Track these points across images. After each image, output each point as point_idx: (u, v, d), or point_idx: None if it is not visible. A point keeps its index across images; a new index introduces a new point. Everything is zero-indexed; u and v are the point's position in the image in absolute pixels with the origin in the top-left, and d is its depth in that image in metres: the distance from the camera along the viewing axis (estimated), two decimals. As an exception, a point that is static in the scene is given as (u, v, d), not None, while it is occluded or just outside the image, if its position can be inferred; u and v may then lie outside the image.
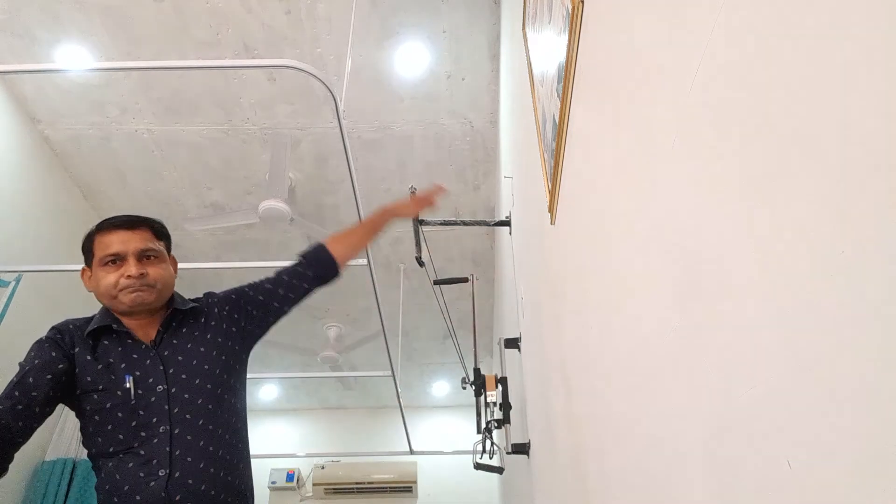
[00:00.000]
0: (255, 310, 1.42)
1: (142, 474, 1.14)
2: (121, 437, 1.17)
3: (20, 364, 1.21)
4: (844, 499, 0.35)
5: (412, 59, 3.26)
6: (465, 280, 2.83)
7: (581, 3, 1.01)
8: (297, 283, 1.49)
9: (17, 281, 3.08)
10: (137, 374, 1.21)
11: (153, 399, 1.20)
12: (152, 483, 1.13)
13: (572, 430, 1.26)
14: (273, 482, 5.76)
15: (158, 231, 1.33)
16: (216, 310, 1.37)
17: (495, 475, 2.88)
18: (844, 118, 0.36)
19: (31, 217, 3.54)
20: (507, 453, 2.23)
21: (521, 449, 2.15)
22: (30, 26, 3.04)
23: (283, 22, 3.07)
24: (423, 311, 5.00)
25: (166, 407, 1.19)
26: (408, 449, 4.49)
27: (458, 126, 3.63)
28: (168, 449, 1.16)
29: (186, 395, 1.22)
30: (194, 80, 3.32)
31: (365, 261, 2.60)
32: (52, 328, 1.27)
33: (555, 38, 1.26)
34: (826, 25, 0.38)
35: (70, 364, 1.21)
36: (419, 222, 2.57)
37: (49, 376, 1.17)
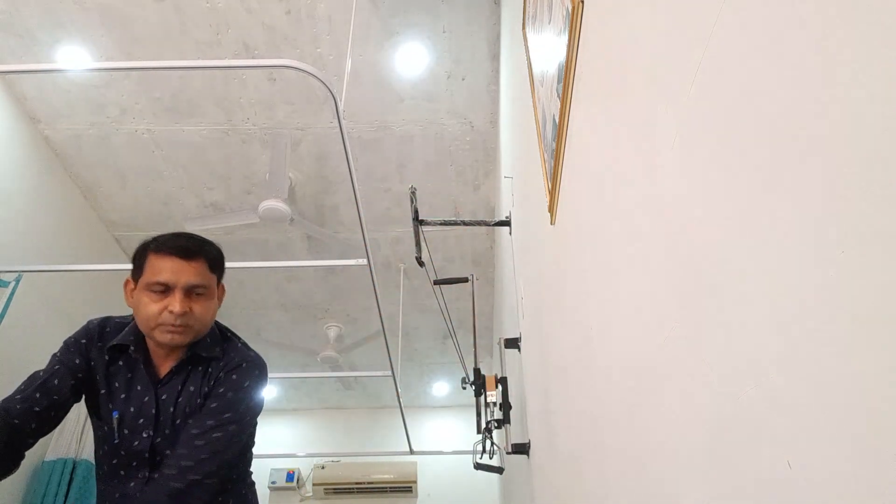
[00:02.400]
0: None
1: None
2: (105, 468, 1.19)
3: (51, 357, 1.21)
4: (844, 499, 0.35)
5: (412, 59, 3.26)
6: (465, 280, 2.83)
7: (581, 3, 1.01)
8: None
9: (17, 281, 3.08)
10: (131, 410, 1.18)
11: (136, 443, 1.17)
12: None
13: (572, 430, 1.26)
14: (273, 482, 5.76)
15: (214, 262, 1.25)
16: (208, 386, 1.24)
17: (495, 475, 2.89)
18: (845, 118, 0.36)
19: (31, 217, 3.54)
20: (507, 453, 2.23)
21: (521, 449, 2.15)
22: (30, 26, 3.04)
23: (283, 22, 3.07)
24: (423, 311, 5.01)
25: (146, 455, 1.18)
26: (408, 449, 4.49)
27: (458, 126, 3.63)
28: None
29: (168, 452, 1.18)
30: (194, 80, 3.32)
31: (365, 261, 2.60)
32: (85, 327, 1.24)
33: (555, 38, 1.26)
34: (826, 25, 0.38)
35: (89, 373, 1.20)
36: (419, 222, 2.57)
37: (72, 382, 1.17)
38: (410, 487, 5.77)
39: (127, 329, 1.24)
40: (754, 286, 0.46)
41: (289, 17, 3.05)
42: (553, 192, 1.35)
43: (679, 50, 0.61)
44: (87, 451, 3.67)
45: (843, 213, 0.36)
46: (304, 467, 5.89)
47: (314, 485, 5.77)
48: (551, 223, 1.42)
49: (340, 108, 1.99)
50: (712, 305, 0.54)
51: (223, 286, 1.32)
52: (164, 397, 1.20)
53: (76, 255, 3.90)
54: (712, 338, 0.54)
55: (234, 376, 1.22)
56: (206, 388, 1.22)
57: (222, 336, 1.31)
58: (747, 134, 0.47)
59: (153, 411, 1.18)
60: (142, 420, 1.18)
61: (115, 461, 1.17)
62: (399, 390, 3.79)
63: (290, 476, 5.79)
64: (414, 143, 3.73)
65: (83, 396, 1.22)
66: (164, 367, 1.23)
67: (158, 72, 3.30)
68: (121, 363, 1.22)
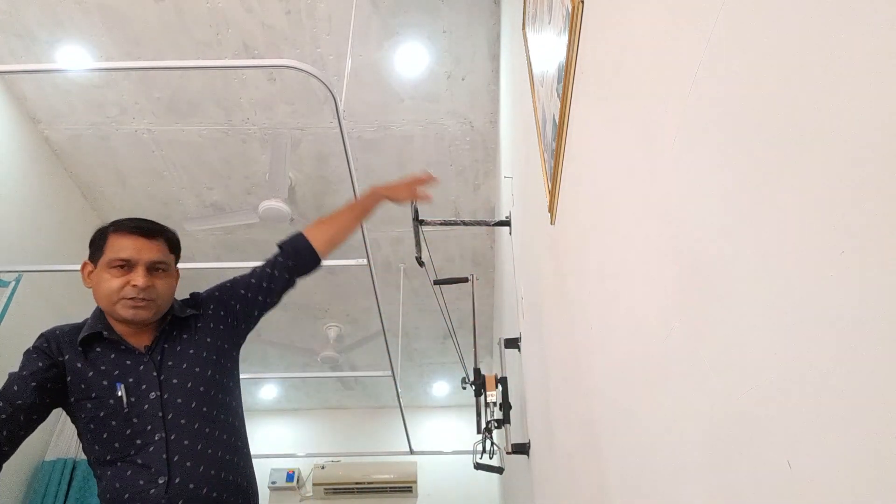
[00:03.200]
0: (239, 304, 1.40)
1: (141, 482, 1.13)
2: (117, 445, 1.16)
3: (9, 374, 1.20)
4: (844, 499, 0.35)
5: (412, 59, 3.26)
6: (465, 280, 2.83)
7: (581, 3, 1.01)
8: (279, 274, 1.46)
9: (17, 281, 3.08)
10: (130, 381, 1.19)
11: (146, 407, 1.18)
12: (152, 490, 1.13)
13: (572, 430, 1.26)
14: (273, 482, 5.76)
15: (172, 243, 1.31)
16: (202, 310, 1.35)
17: (495, 475, 2.89)
18: (845, 117, 0.36)
19: (31, 217, 3.54)
20: (507, 453, 2.23)
21: (521, 449, 2.15)
22: (30, 26, 3.04)
23: (283, 22, 3.07)
24: (423, 311, 5.00)
25: (160, 414, 1.18)
26: (408, 449, 4.49)
27: (458, 126, 3.63)
28: (165, 456, 1.15)
29: (180, 400, 1.20)
30: (194, 80, 3.32)
31: (365, 261, 2.60)
32: (40, 336, 1.25)
33: (555, 38, 1.26)
34: (826, 24, 0.38)
35: (59, 371, 1.19)
36: (419, 222, 2.57)
37: (34, 384, 1.16)
38: (410, 487, 5.77)
39: (90, 320, 1.25)
40: (754, 286, 0.46)
41: (289, 17, 3.05)
42: (553, 192, 1.35)
43: (679, 50, 0.61)
44: (87, 451, 3.67)
45: (843, 213, 0.36)
46: (304, 467, 5.89)
47: (314, 485, 5.77)
48: (551, 223, 1.42)
49: (340, 108, 1.99)
50: (712, 305, 0.54)
51: (178, 270, 1.36)
52: (160, 358, 1.23)
53: (76, 255, 3.89)
54: (712, 338, 0.54)
55: (203, 298, 1.37)
56: (210, 311, 1.35)
57: (186, 300, 1.38)
58: (747, 134, 0.47)
59: (154, 374, 1.21)
60: (144, 385, 1.20)
61: (128, 432, 1.16)
62: (399, 390, 3.79)
63: (290, 476, 5.79)
64: (414, 143, 3.73)
65: (55, 397, 1.19)
66: (145, 339, 1.25)
67: (158, 72, 3.30)
68: (99, 349, 1.22)
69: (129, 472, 1.15)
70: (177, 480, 1.14)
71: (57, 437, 3.66)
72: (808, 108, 0.39)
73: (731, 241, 0.50)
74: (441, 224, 2.90)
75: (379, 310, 2.91)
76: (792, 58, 0.41)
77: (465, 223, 3.03)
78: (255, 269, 1.47)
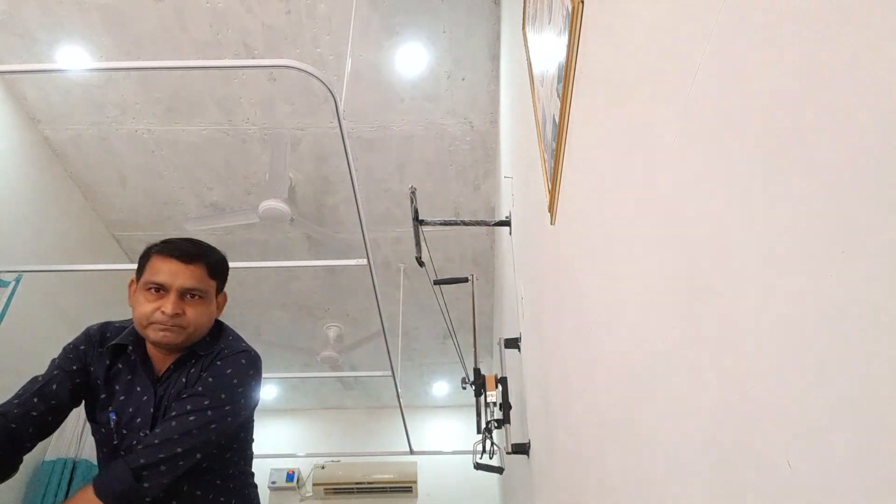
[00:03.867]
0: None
1: None
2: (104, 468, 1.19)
3: (51, 361, 1.22)
4: (844, 499, 0.35)
5: (412, 59, 3.26)
6: (465, 280, 2.83)
7: (581, 3, 1.01)
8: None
9: (17, 281, 3.08)
10: (129, 411, 1.19)
11: (135, 442, 1.18)
12: None
13: (572, 429, 1.26)
14: (273, 482, 5.76)
15: (214, 268, 1.27)
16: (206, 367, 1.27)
17: (495, 475, 2.89)
18: (845, 117, 0.36)
19: (31, 217, 3.54)
20: (507, 453, 2.23)
21: (521, 449, 2.15)
22: (30, 26, 3.04)
23: (283, 22, 3.07)
24: (423, 311, 5.00)
25: None
26: (408, 449, 4.49)
27: (458, 126, 3.63)
28: None
29: None
30: (194, 80, 3.32)
31: (365, 261, 2.60)
32: (84, 332, 1.25)
33: (555, 38, 1.26)
34: (826, 24, 0.38)
35: (87, 378, 1.21)
36: (419, 222, 2.57)
37: (70, 387, 1.19)
38: (410, 487, 5.77)
39: (126, 330, 1.26)
40: (754, 286, 0.46)
41: (289, 17, 3.05)
42: (553, 192, 1.35)
43: (679, 49, 0.61)
44: (87, 451, 3.67)
45: (843, 212, 0.36)
46: (304, 467, 5.89)
47: (314, 485, 5.77)
48: (551, 223, 1.42)
49: (340, 108, 1.99)
50: (712, 305, 0.54)
51: (225, 294, 1.32)
52: (162, 395, 1.22)
53: (76, 255, 3.90)
54: (712, 338, 0.54)
55: (218, 363, 1.23)
56: (197, 376, 1.23)
57: (218, 330, 1.32)
58: (747, 133, 0.47)
59: (151, 409, 1.20)
60: (139, 419, 1.19)
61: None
62: (399, 390, 3.79)
63: (290, 476, 5.79)
64: (414, 143, 3.73)
65: (82, 401, 1.22)
66: (163, 366, 1.24)
67: (158, 72, 3.30)
68: (120, 366, 1.23)
69: None
70: None
71: (57, 437, 3.65)
72: (809, 108, 0.39)
73: (732, 241, 0.50)
74: (441, 224, 2.90)
75: (379, 310, 2.91)
76: (792, 57, 0.41)
77: (465, 223, 3.03)
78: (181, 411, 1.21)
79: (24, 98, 3.43)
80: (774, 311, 0.43)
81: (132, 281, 1.25)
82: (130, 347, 1.22)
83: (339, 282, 4.71)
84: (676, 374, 0.62)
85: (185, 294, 1.20)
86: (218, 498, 1.26)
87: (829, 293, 0.37)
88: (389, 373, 3.51)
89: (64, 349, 1.24)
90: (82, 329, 1.29)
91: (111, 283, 4.14)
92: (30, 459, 3.54)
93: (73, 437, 3.67)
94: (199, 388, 1.19)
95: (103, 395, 1.20)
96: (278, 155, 3.30)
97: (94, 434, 1.21)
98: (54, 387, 1.17)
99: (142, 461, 1.07)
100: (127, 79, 3.31)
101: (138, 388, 1.21)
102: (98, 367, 1.22)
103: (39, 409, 1.14)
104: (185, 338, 1.21)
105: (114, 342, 1.23)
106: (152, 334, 1.19)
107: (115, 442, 1.18)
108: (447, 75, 3.35)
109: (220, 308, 1.31)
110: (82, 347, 1.23)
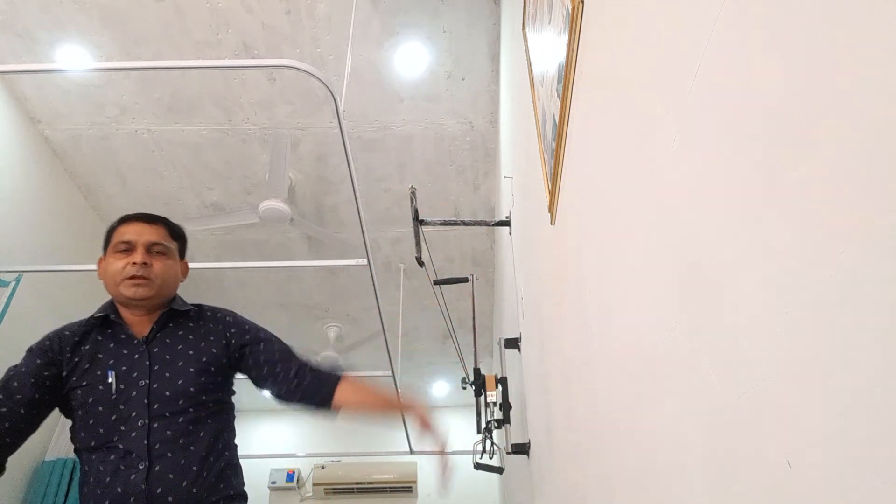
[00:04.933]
0: (250, 360, 1.38)
1: (122, 467, 1.16)
2: (101, 430, 1.19)
3: (7, 368, 1.24)
4: (844, 499, 0.35)
5: (412, 59, 3.26)
6: (465, 280, 2.83)
7: (581, 3, 1.01)
8: (292, 391, 1.37)
9: (17, 281, 3.08)
10: (123, 369, 1.24)
11: (134, 394, 1.22)
12: (133, 476, 1.15)
13: (572, 430, 1.26)
14: (273, 482, 5.76)
15: (174, 231, 1.39)
16: (221, 326, 1.38)
17: (495, 475, 2.88)
18: (845, 117, 0.36)
19: (31, 217, 3.54)
20: (507, 453, 2.23)
21: (521, 449, 2.15)
22: (30, 26, 3.04)
23: (283, 22, 3.07)
24: (423, 311, 5.00)
25: (146, 401, 1.21)
26: (408, 449, 4.49)
27: (458, 126, 3.63)
28: (146, 442, 1.18)
29: (168, 393, 1.23)
30: (194, 80, 3.32)
31: (365, 261, 2.60)
32: (45, 336, 1.30)
33: (555, 38, 1.26)
34: (826, 24, 0.38)
35: (57, 370, 1.24)
36: (419, 222, 2.57)
37: (32, 380, 1.21)
38: (410, 487, 5.77)
39: (103, 304, 1.33)
40: (754, 286, 0.46)
41: (289, 17, 3.05)
42: (553, 192, 1.35)
43: (679, 49, 0.61)
44: (87, 451, 3.67)
45: (843, 212, 0.36)
46: (304, 467, 5.89)
47: (314, 485, 5.77)
48: (551, 223, 1.42)
49: (340, 108, 1.99)
50: (712, 305, 0.54)
51: (186, 263, 1.43)
52: (156, 349, 1.27)
53: (76, 255, 3.90)
54: (712, 338, 0.54)
55: (228, 318, 1.42)
56: (222, 338, 1.36)
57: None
58: (747, 133, 0.47)
59: (146, 363, 1.25)
60: (135, 374, 1.24)
61: (113, 417, 1.20)
62: (399, 390, 3.79)
63: (290, 476, 5.79)
64: (414, 143, 3.73)
65: (58, 393, 1.23)
66: (145, 329, 1.30)
67: (158, 72, 3.30)
68: (100, 338, 1.28)
69: (111, 457, 1.17)
70: (157, 468, 1.16)
71: (57, 437, 3.66)
72: (809, 108, 0.39)
73: (732, 241, 0.50)
74: (441, 224, 2.91)
75: (379, 310, 2.91)
76: (792, 57, 0.41)
77: (465, 223, 3.03)
78: (288, 357, 1.40)
79: (24, 98, 3.43)
80: (774, 311, 0.43)
81: (100, 259, 1.34)
82: (111, 315, 1.29)
83: (339, 282, 4.71)
84: (676, 373, 0.62)
85: (150, 248, 1.31)
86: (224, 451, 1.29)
87: (830, 293, 0.37)
88: (389, 373, 3.51)
89: (27, 350, 1.27)
90: None
91: (111, 283, 4.14)
92: (30, 459, 3.55)
93: (73, 437, 3.67)
94: (256, 334, 1.40)
95: (87, 365, 1.23)
96: (278, 155, 3.30)
97: (81, 399, 1.21)
98: (14, 384, 1.19)
99: (322, 365, 1.39)
100: (127, 79, 3.31)
101: (125, 351, 1.26)
102: (73, 348, 1.25)
103: (6, 404, 1.17)
104: (155, 290, 1.29)
105: (94, 315, 1.29)
106: (125, 290, 1.27)
107: (113, 396, 1.21)
108: (447, 75, 3.35)
109: (183, 275, 1.41)
110: (47, 343, 1.27)
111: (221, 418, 1.31)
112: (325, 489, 5.75)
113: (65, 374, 1.24)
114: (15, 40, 3.09)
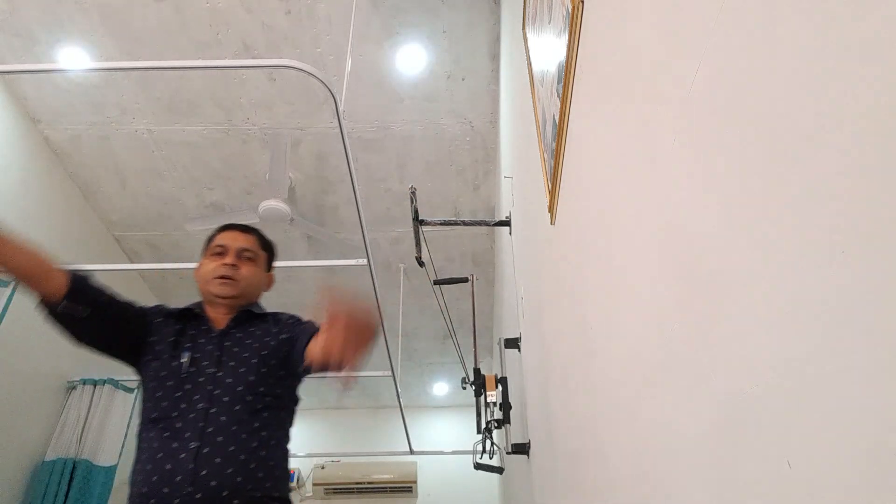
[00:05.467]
0: (286, 348, 1.40)
1: (174, 445, 1.21)
2: (164, 404, 1.27)
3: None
4: (844, 499, 0.35)
5: (412, 59, 3.26)
6: (465, 280, 2.83)
7: (581, 3, 1.01)
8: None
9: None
10: (197, 355, 1.34)
11: (201, 379, 1.30)
12: (182, 455, 1.20)
13: (572, 430, 1.26)
14: (273, 482, 5.75)
15: (265, 243, 1.54)
16: (281, 323, 1.46)
17: (495, 475, 2.89)
18: (845, 117, 0.36)
19: (31, 217, 3.54)
20: (507, 453, 2.23)
21: (521, 449, 2.15)
22: (30, 26, 3.04)
23: (283, 22, 3.07)
24: (423, 311, 5.00)
25: (210, 387, 1.29)
26: (408, 449, 4.49)
27: (458, 126, 3.63)
28: (201, 424, 1.23)
29: (230, 381, 1.30)
30: (194, 80, 3.32)
31: (365, 261, 2.60)
32: (157, 305, 1.49)
33: (555, 38, 1.26)
34: (826, 23, 0.38)
35: (143, 324, 1.38)
36: (419, 222, 2.57)
37: (126, 304, 1.38)
38: (410, 487, 5.77)
39: (192, 303, 1.47)
40: (754, 286, 0.46)
41: (289, 17, 3.05)
42: (553, 192, 1.35)
43: (679, 49, 0.61)
44: (87, 451, 3.66)
45: (843, 212, 0.36)
46: (304, 467, 5.89)
47: (314, 485, 5.77)
48: (551, 223, 1.42)
49: (340, 108, 1.99)
50: (712, 305, 0.54)
51: (272, 276, 1.56)
52: (228, 342, 1.37)
53: (76, 255, 3.90)
54: (712, 337, 0.54)
55: (288, 317, 1.48)
56: (279, 333, 1.41)
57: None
58: (747, 133, 0.47)
59: (217, 353, 1.35)
60: (206, 361, 1.33)
61: (178, 394, 1.28)
62: (399, 390, 3.79)
63: (290, 476, 5.79)
64: (414, 143, 3.73)
65: (133, 333, 1.36)
66: (222, 323, 1.41)
67: (158, 72, 3.30)
68: (185, 325, 1.40)
69: (166, 434, 1.23)
70: (206, 450, 1.21)
71: (57, 437, 3.65)
72: (808, 108, 0.39)
73: (731, 241, 0.50)
74: (441, 224, 2.91)
75: (379, 310, 2.91)
76: (792, 57, 0.42)
77: (465, 223, 3.03)
78: (302, 335, 1.41)
79: (24, 98, 3.43)
80: (774, 311, 0.43)
81: (199, 263, 1.48)
82: (196, 310, 1.43)
83: (339, 282, 4.71)
84: (676, 373, 0.62)
85: (241, 253, 1.45)
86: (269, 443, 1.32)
87: (830, 293, 0.37)
88: (389, 373, 3.52)
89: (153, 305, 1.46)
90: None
91: (111, 283, 4.13)
92: (30, 460, 3.55)
93: (74, 437, 3.66)
94: (295, 322, 1.45)
95: (170, 340, 1.36)
96: (278, 155, 3.30)
97: (154, 371, 1.31)
98: (128, 301, 1.38)
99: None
100: (127, 79, 3.31)
101: (202, 340, 1.37)
102: (164, 321, 1.40)
103: (106, 296, 1.33)
104: (239, 291, 1.42)
105: (183, 307, 1.44)
106: (213, 288, 1.41)
107: (183, 374, 1.30)
108: (447, 75, 3.35)
109: (267, 285, 1.54)
110: (149, 307, 1.44)
111: (278, 416, 1.35)
112: (325, 489, 5.75)
113: (151, 337, 1.36)
114: (15, 40, 3.09)
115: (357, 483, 5.71)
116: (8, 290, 3.04)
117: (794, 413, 0.40)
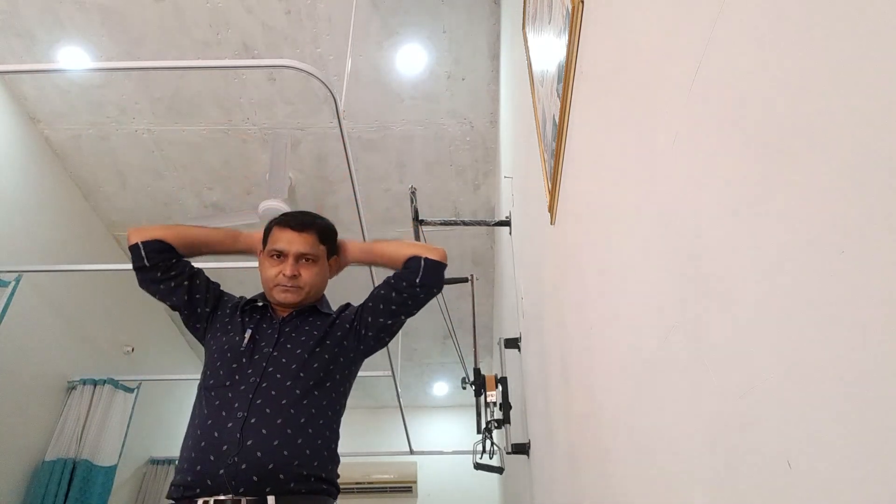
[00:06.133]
0: (370, 316, 1.50)
1: (224, 413, 1.26)
2: (221, 373, 1.34)
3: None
4: (844, 499, 0.35)
5: (412, 59, 3.26)
6: (465, 280, 2.83)
7: (581, 3, 1.01)
8: (391, 286, 1.56)
9: (17, 281, 3.08)
10: (257, 336, 1.41)
11: (257, 357, 1.36)
12: (230, 424, 1.24)
13: (572, 430, 1.26)
14: (273, 482, 5.75)
15: (323, 234, 1.50)
16: (347, 323, 1.49)
17: (495, 475, 2.89)
18: (845, 117, 0.36)
19: (31, 217, 3.54)
20: (507, 453, 2.23)
21: (521, 449, 2.15)
22: (30, 26, 3.04)
23: (283, 22, 3.07)
24: (423, 311, 4.99)
25: (264, 364, 1.34)
26: (408, 449, 4.49)
27: (458, 126, 3.63)
28: (251, 396, 1.28)
29: (284, 360, 1.36)
30: (194, 80, 3.32)
31: (365, 261, 2.59)
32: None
33: (555, 38, 1.26)
34: (826, 23, 0.38)
35: (215, 304, 1.49)
36: (419, 222, 2.57)
37: (208, 280, 1.52)
38: (410, 487, 5.77)
39: (258, 294, 1.53)
40: (754, 286, 0.46)
41: (289, 17, 3.05)
42: (553, 192, 1.35)
43: (679, 49, 0.61)
44: (87, 451, 3.66)
45: (842, 212, 0.36)
46: (304, 467, 5.88)
47: (314, 485, 5.76)
48: (551, 223, 1.42)
49: (340, 108, 1.99)
50: (712, 305, 0.54)
51: (337, 259, 1.57)
52: (287, 328, 1.43)
53: (76, 255, 3.90)
54: (712, 337, 0.54)
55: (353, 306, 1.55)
56: (347, 325, 1.48)
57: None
58: (747, 133, 0.47)
59: (276, 336, 1.41)
60: (264, 343, 1.39)
61: (234, 366, 1.34)
62: (399, 390, 3.79)
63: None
64: (414, 143, 3.73)
65: (204, 305, 1.48)
66: (285, 312, 1.47)
67: (158, 72, 3.30)
68: (250, 311, 1.48)
69: (217, 402, 1.29)
70: (252, 420, 1.24)
71: (57, 437, 3.65)
72: (808, 108, 0.39)
73: (731, 241, 0.50)
74: (441, 224, 2.91)
75: (379, 310, 2.90)
76: (792, 57, 0.41)
77: (465, 223, 3.03)
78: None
79: (24, 98, 3.43)
80: (774, 311, 0.43)
81: (261, 251, 1.51)
82: (261, 303, 1.49)
83: (339, 282, 4.70)
84: (677, 373, 0.62)
85: (300, 258, 1.45)
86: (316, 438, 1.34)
87: (829, 293, 0.37)
88: (389, 373, 3.51)
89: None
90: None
91: (111, 283, 4.14)
92: (30, 460, 3.55)
93: (73, 438, 3.66)
94: (359, 307, 1.52)
95: (237, 320, 1.44)
96: (278, 155, 3.30)
97: (218, 343, 1.41)
98: (207, 280, 1.52)
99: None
100: (127, 79, 3.31)
101: (264, 325, 1.44)
102: (234, 307, 1.49)
103: (197, 270, 1.49)
104: (303, 297, 1.45)
105: (251, 297, 1.51)
106: (277, 295, 1.44)
107: (242, 349, 1.37)
108: (447, 75, 3.35)
109: (333, 270, 1.57)
110: (225, 293, 1.54)
111: (329, 396, 1.37)
112: (325, 489, 5.75)
113: (219, 313, 1.46)
114: (15, 40, 3.09)
115: (357, 483, 5.71)
116: (8, 290, 3.04)
117: (793, 413, 0.40)
